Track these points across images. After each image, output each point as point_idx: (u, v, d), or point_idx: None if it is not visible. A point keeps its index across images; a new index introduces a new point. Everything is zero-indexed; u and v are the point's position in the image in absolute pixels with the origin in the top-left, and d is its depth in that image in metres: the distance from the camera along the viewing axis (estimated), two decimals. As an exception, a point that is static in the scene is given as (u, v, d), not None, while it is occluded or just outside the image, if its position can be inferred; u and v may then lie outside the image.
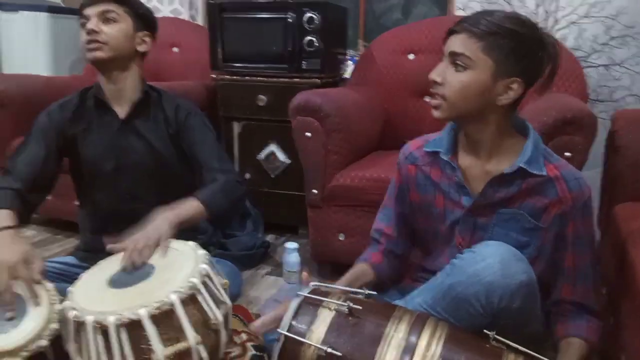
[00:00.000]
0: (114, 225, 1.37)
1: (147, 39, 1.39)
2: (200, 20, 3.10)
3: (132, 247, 1.07)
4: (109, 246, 1.12)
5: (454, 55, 1.01)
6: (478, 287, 0.92)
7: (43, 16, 3.29)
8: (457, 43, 1.00)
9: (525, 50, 0.98)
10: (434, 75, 1.03)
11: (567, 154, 1.42)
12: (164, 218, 1.16)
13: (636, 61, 2.21)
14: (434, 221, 1.18)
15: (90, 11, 1.31)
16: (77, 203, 1.50)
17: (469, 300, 0.94)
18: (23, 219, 1.20)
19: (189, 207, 1.23)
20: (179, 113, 1.40)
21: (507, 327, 0.94)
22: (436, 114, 1.06)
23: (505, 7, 2.37)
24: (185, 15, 3.01)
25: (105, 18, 1.31)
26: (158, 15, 2.99)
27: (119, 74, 1.35)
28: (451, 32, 1.03)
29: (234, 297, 1.16)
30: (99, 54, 1.30)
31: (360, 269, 1.25)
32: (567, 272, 1.10)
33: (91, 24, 1.29)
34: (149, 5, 3.02)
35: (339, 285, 1.14)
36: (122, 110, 1.38)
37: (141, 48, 1.38)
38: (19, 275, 1.03)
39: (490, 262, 0.92)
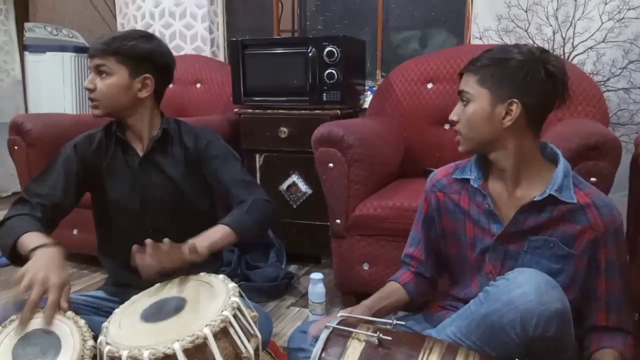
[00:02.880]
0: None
1: (148, 82, 1.33)
2: (221, 56, 3.19)
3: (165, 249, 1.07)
4: (135, 247, 1.09)
5: (460, 94, 1.12)
6: (514, 315, 0.92)
7: (68, 56, 3.41)
8: (462, 82, 1.12)
9: (514, 75, 1.04)
10: (451, 116, 1.14)
11: (592, 179, 1.42)
12: (197, 245, 1.14)
13: (656, 84, 2.21)
14: (464, 248, 1.19)
15: (90, 64, 1.31)
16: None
17: (505, 329, 0.93)
18: None
19: (218, 233, 1.21)
20: (198, 142, 1.40)
21: (541, 356, 0.94)
22: (460, 149, 1.15)
23: (522, 35, 2.39)
24: (207, 53, 3.10)
25: (99, 71, 1.29)
26: (180, 53, 3.11)
27: (127, 119, 1.35)
28: (461, 74, 1.13)
29: (263, 344, 1.14)
30: (95, 112, 1.32)
31: (392, 287, 1.29)
32: (600, 299, 1.10)
33: (88, 80, 1.31)
34: (172, 44, 3.15)
35: (371, 304, 1.19)
36: (141, 147, 1.39)
37: (142, 94, 1.33)
38: (49, 294, 1.04)
39: (525, 290, 0.92)
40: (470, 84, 1.09)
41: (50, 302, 1.03)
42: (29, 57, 3.51)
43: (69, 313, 1.09)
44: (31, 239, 1.14)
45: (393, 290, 1.28)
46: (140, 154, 1.38)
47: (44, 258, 1.09)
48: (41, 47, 3.45)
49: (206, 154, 1.39)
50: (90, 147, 1.39)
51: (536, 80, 1.04)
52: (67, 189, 1.33)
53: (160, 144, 1.38)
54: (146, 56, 1.32)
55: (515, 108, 1.05)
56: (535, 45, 1.09)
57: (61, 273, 1.07)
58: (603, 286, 1.10)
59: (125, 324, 1.03)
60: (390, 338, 0.96)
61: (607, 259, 1.09)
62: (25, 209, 1.26)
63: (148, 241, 1.08)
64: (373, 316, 1.15)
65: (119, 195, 1.38)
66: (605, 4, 2.24)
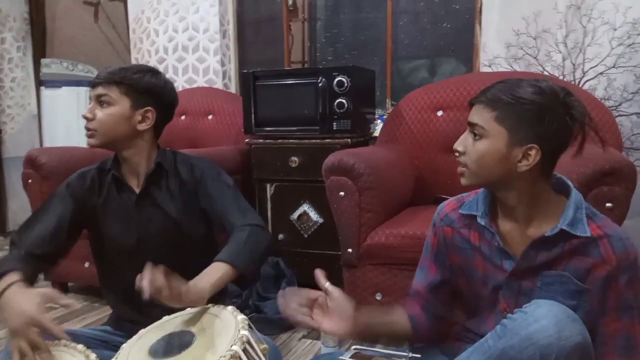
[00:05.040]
0: (138, 296, 1.37)
1: (149, 114, 1.31)
2: (233, 88, 3.23)
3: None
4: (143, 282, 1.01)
5: (471, 125, 1.04)
6: (532, 351, 0.88)
7: (84, 91, 3.48)
8: (474, 113, 1.03)
9: (538, 118, 0.97)
10: (456, 145, 1.07)
11: (608, 204, 1.39)
12: (199, 290, 1.08)
13: (670, 108, 2.19)
14: (476, 284, 1.15)
15: (92, 94, 1.29)
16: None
17: None
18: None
19: (216, 272, 1.14)
20: (194, 172, 1.36)
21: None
22: (463, 181, 1.08)
23: (531, 62, 2.40)
24: (219, 85, 3.15)
25: (100, 101, 1.27)
26: (193, 85, 3.16)
27: (124, 152, 1.33)
28: (472, 104, 1.05)
29: None
30: (91, 141, 1.29)
31: (398, 313, 1.20)
32: (608, 342, 1.02)
33: (87, 109, 1.28)
34: (185, 77, 3.20)
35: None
36: (137, 184, 1.36)
37: (142, 126, 1.30)
38: (44, 325, 1.01)
39: (544, 324, 0.88)
40: (485, 119, 1.00)
41: (31, 343, 1.01)
42: (45, 92, 3.58)
43: (80, 347, 1.08)
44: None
45: (400, 317, 1.19)
46: (136, 190, 1.35)
47: (5, 308, 1.06)
48: (57, 82, 3.53)
49: (201, 183, 1.36)
50: (83, 185, 1.36)
51: (560, 128, 0.98)
52: (60, 230, 1.30)
53: (155, 179, 1.35)
54: (150, 90, 1.31)
55: (535, 154, 0.98)
56: (556, 85, 1.00)
57: (20, 311, 1.03)
58: (612, 326, 1.01)
59: None
60: (404, 372, 0.93)
61: (618, 294, 1.01)
62: (10, 255, 1.24)
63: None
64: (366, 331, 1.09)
65: (114, 233, 1.35)
66: (615, 29, 2.24)
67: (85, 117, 1.28)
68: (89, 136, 1.29)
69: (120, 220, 1.35)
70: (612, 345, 1.02)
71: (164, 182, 1.36)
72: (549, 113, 0.97)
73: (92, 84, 1.29)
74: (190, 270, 1.15)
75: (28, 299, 1.05)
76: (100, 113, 1.27)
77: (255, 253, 1.23)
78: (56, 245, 1.29)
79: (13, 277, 1.12)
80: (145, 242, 1.35)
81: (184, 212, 1.35)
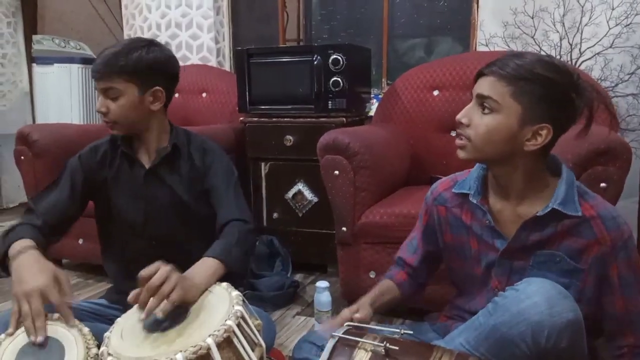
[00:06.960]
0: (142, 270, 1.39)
1: (159, 93, 1.32)
2: (227, 66, 3.19)
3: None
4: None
5: (481, 98, 1.00)
6: (524, 327, 0.89)
7: (76, 68, 3.44)
8: (486, 86, 0.99)
9: (555, 98, 0.96)
10: (460, 117, 1.03)
11: (602, 184, 1.40)
12: (195, 285, 1.08)
13: (665, 89, 2.18)
14: (469, 263, 1.16)
15: (98, 86, 1.29)
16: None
17: (515, 341, 0.90)
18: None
19: (208, 268, 1.14)
20: (206, 158, 1.38)
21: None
22: (461, 154, 1.05)
23: (528, 41, 2.38)
24: (212, 62, 3.11)
25: (107, 94, 1.28)
26: (186, 63, 3.12)
27: (140, 131, 1.35)
28: (480, 74, 1.01)
29: (267, 349, 1.10)
30: (115, 132, 1.33)
31: (386, 285, 1.28)
32: (622, 318, 1.05)
33: (99, 103, 1.29)
34: (178, 55, 3.16)
35: (372, 300, 1.18)
36: (147, 160, 1.37)
37: (155, 106, 1.32)
38: (50, 299, 1.03)
39: (536, 301, 0.89)
40: (500, 93, 0.97)
41: (33, 310, 1.01)
42: (37, 69, 3.54)
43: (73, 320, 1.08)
44: (14, 248, 1.13)
45: (390, 288, 1.27)
46: (147, 165, 1.36)
47: (18, 270, 1.08)
48: (49, 59, 3.48)
49: (210, 170, 1.37)
50: (94, 158, 1.38)
51: (574, 109, 0.97)
52: (73, 199, 1.34)
53: (167, 159, 1.36)
54: (152, 68, 1.29)
55: (545, 134, 0.96)
56: (568, 65, 0.99)
57: (34, 279, 1.04)
58: (621, 303, 1.04)
59: (127, 334, 1.01)
60: (397, 348, 0.94)
61: (619, 275, 1.02)
62: (27, 217, 1.27)
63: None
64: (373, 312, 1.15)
65: (122, 207, 1.38)
66: (612, 9, 2.22)
67: (100, 112, 1.30)
68: (111, 127, 1.32)
69: (129, 194, 1.37)
70: (628, 321, 1.04)
71: (176, 163, 1.37)
72: (566, 94, 0.96)
73: (93, 77, 1.29)
74: (194, 250, 1.18)
75: (43, 270, 1.07)
76: (112, 105, 1.28)
77: (244, 252, 1.24)
78: (68, 214, 1.34)
79: (28, 242, 1.15)
80: (152, 219, 1.37)
81: (192, 195, 1.37)
